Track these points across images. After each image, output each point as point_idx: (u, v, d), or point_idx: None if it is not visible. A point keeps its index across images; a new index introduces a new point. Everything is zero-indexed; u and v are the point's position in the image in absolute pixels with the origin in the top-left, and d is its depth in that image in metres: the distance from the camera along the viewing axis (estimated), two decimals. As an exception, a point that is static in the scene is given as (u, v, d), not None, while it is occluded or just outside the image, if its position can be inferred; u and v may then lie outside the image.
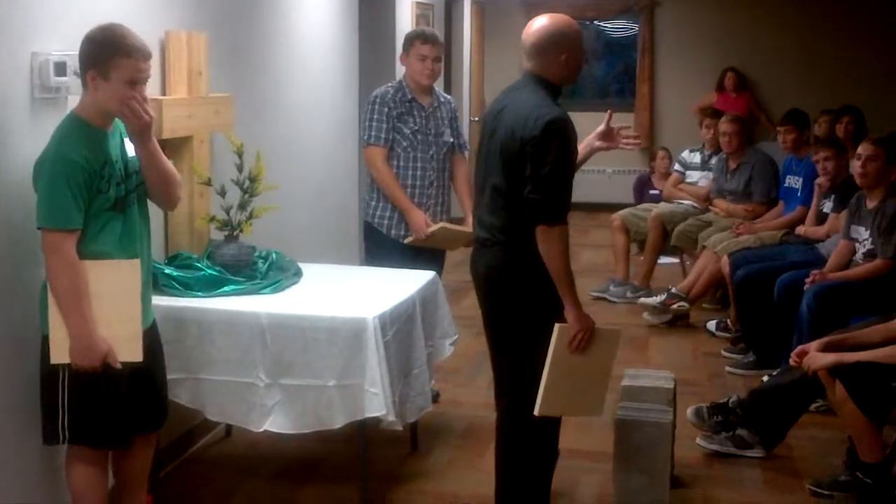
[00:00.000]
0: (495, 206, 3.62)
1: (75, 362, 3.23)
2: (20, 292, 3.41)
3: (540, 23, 3.64)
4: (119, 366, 3.28)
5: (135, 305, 3.34)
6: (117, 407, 3.36)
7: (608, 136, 3.90)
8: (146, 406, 3.52)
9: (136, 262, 3.33)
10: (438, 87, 5.20)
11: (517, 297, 3.61)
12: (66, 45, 3.49)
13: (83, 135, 3.22)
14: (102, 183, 3.21)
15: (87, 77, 3.21)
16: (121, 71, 3.17)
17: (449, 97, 5.37)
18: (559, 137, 3.45)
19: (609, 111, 3.95)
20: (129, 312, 3.33)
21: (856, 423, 4.13)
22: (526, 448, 3.76)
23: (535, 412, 3.56)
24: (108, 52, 3.18)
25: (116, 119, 3.33)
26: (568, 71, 3.64)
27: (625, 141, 3.93)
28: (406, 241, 5.04)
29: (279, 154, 5.36)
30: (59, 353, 3.24)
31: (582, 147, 3.84)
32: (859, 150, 5.43)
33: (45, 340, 3.28)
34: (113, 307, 3.27)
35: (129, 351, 3.32)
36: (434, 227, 5.02)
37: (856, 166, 5.41)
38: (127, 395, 3.39)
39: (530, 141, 3.46)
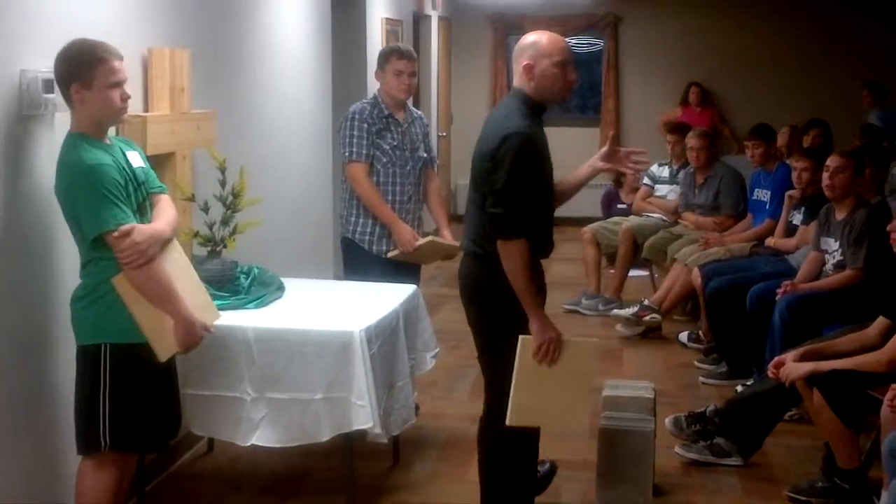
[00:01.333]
0: (470, 218, 3.73)
1: (183, 345, 3.40)
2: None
3: (526, 35, 3.72)
4: (213, 332, 3.56)
5: (194, 274, 3.63)
6: (155, 411, 3.47)
7: (612, 157, 3.85)
8: (171, 410, 3.61)
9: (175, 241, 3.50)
10: (407, 102, 5.25)
11: (488, 306, 3.70)
12: (52, 63, 3.50)
13: (93, 147, 3.30)
14: (129, 186, 3.33)
15: (71, 92, 3.30)
16: (101, 76, 3.29)
17: (420, 112, 5.43)
18: (514, 152, 3.49)
19: (612, 132, 3.99)
20: (193, 282, 3.57)
21: (833, 429, 4.21)
22: (502, 455, 3.81)
23: (507, 422, 3.61)
24: (84, 62, 3.29)
25: (113, 135, 3.41)
26: (537, 83, 3.62)
27: (632, 165, 3.92)
28: (390, 255, 5.07)
29: (258, 169, 5.37)
30: (166, 348, 3.38)
31: (585, 167, 3.88)
32: (828, 161, 5.52)
33: (85, 351, 3.36)
34: (182, 282, 3.41)
35: (212, 315, 3.63)
36: (422, 241, 5.06)
37: (824, 178, 5.51)
38: (161, 399, 3.50)
39: (487, 156, 3.55)
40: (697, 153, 7.38)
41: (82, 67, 3.29)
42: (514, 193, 3.51)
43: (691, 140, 7.44)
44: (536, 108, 3.69)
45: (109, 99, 3.32)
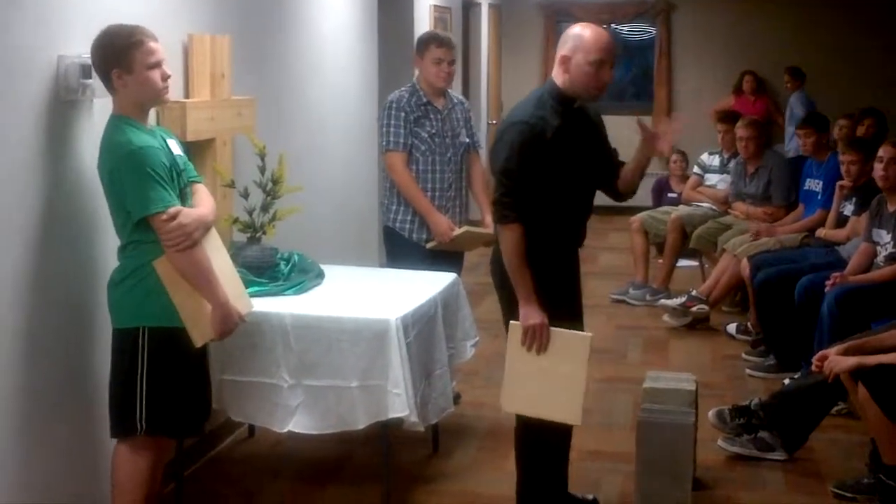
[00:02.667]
0: None
1: (220, 331, 3.43)
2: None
3: (573, 25, 3.71)
4: (246, 321, 3.57)
5: (230, 263, 3.63)
6: (190, 395, 3.50)
7: (651, 141, 3.81)
8: (204, 395, 3.64)
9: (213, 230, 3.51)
10: (456, 89, 5.22)
11: (505, 291, 3.74)
12: (90, 52, 3.52)
13: (139, 130, 3.33)
14: (172, 171, 3.35)
15: (113, 77, 3.32)
16: (140, 58, 3.32)
17: (461, 98, 5.39)
18: (512, 140, 3.55)
19: (637, 117, 3.94)
20: (230, 270, 3.59)
21: (878, 425, 4.11)
22: (533, 445, 3.83)
23: (502, 407, 3.73)
24: (122, 46, 3.31)
25: (153, 123, 3.44)
26: (570, 76, 3.60)
27: (667, 139, 3.82)
28: (428, 245, 5.05)
29: (300, 156, 5.38)
30: (202, 333, 3.41)
31: (636, 158, 3.86)
32: (880, 152, 5.41)
33: (122, 335, 3.39)
34: (219, 271, 3.43)
35: (246, 303, 3.64)
36: (458, 231, 5.04)
37: (877, 168, 5.40)
38: (196, 384, 3.53)
39: (495, 142, 3.65)
40: (747, 143, 7.26)
41: (120, 52, 3.31)
42: (511, 180, 3.56)
43: (741, 130, 7.32)
44: (565, 100, 3.66)
45: (151, 80, 3.35)
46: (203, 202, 3.49)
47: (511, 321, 3.66)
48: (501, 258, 3.72)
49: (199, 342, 3.41)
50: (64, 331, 3.56)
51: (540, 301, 3.62)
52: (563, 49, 3.63)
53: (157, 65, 3.37)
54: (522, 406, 3.73)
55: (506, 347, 3.71)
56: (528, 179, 3.56)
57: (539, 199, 3.59)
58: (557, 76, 3.66)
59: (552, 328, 3.63)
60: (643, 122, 3.91)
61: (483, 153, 5.59)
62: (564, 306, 3.75)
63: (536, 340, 3.63)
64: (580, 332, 3.68)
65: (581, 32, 3.63)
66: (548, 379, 3.63)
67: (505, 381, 3.69)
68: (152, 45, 3.36)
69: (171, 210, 3.25)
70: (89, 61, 3.47)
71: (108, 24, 3.42)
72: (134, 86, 3.33)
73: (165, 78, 3.41)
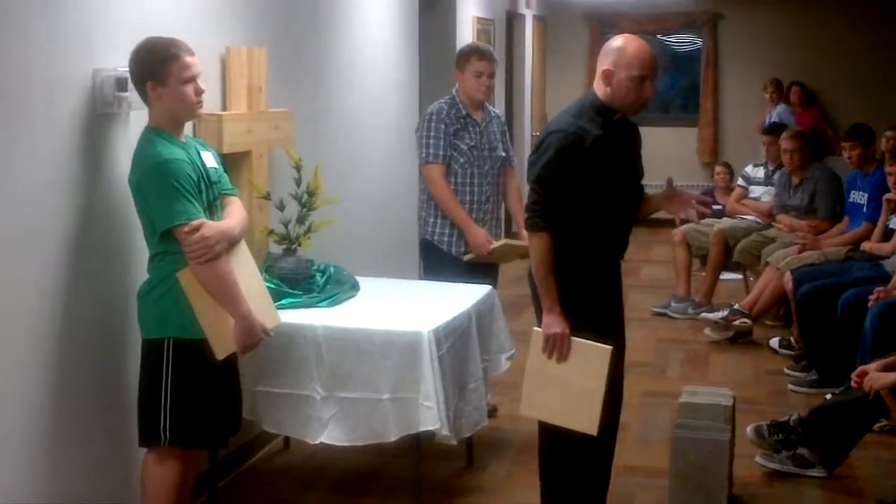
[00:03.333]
0: None
1: (243, 345, 3.43)
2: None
3: (616, 37, 3.70)
4: (272, 335, 3.57)
5: (258, 276, 3.66)
6: (215, 407, 3.50)
7: (669, 200, 3.87)
8: (231, 408, 3.64)
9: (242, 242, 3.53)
10: (500, 101, 5.22)
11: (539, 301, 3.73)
12: (127, 61, 3.55)
13: (169, 142, 3.36)
14: (201, 184, 3.37)
15: (147, 90, 3.36)
16: (175, 72, 3.36)
17: (497, 111, 5.39)
18: (551, 149, 3.55)
19: (669, 178, 3.91)
20: (257, 284, 3.60)
21: (920, 443, 4.05)
22: (553, 460, 3.82)
23: (521, 410, 3.78)
24: (157, 60, 3.35)
25: (189, 135, 3.49)
26: (612, 90, 3.58)
27: (684, 216, 3.91)
28: (466, 257, 5.04)
29: (338, 168, 5.40)
30: (224, 346, 3.41)
31: (653, 199, 3.91)
32: (927, 164, 5.33)
33: (149, 345, 3.43)
34: (246, 284, 3.43)
35: (272, 317, 3.62)
36: (496, 244, 5.03)
37: (925, 181, 5.31)
38: (222, 396, 3.53)
39: (533, 149, 3.67)
40: (791, 155, 7.19)
41: (155, 66, 3.35)
42: (545, 188, 3.56)
43: (785, 142, 7.25)
44: (605, 112, 3.64)
45: (184, 94, 3.38)
46: (233, 215, 3.51)
47: (534, 328, 3.69)
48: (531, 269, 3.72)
49: (220, 355, 3.42)
50: (98, 341, 3.59)
51: (567, 312, 3.61)
52: (605, 63, 3.60)
53: (192, 79, 3.40)
54: (541, 412, 3.75)
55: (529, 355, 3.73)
56: (564, 188, 3.55)
57: (575, 209, 3.58)
58: (599, 88, 3.64)
59: (573, 338, 3.62)
60: (672, 182, 3.90)
61: (519, 167, 5.58)
62: (602, 318, 3.72)
63: (557, 349, 3.62)
64: (600, 344, 3.65)
65: (624, 46, 3.60)
66: (566, 388, 3.63)
67: (525, 386, 3.73)
68: (188, 59, 3.39)
69: (194, 223, 3.27)
70: (125, 74, 3.52)
71: (145, 36, 3.46)
72: (168, 99, 3.37)
73: (199, 93, 3.44)
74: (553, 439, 3.76)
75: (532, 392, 3.71)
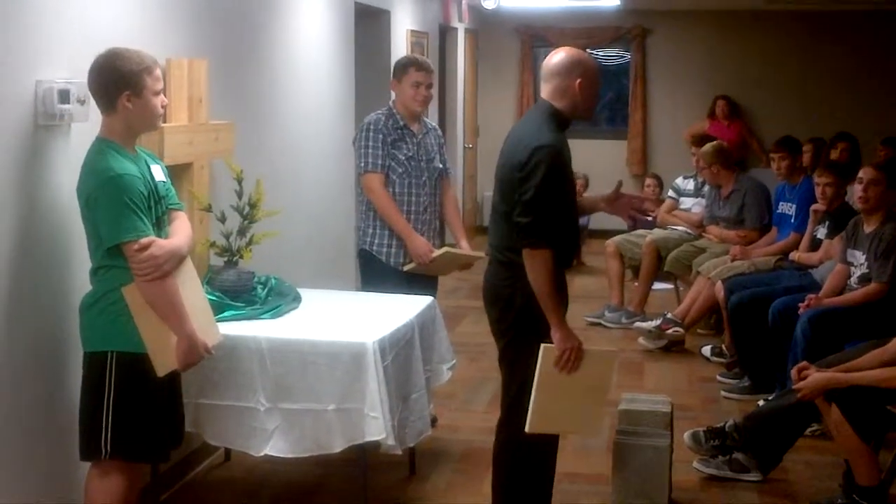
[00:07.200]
0: (496, 226, 3.80)
1: (184, 362, 3.40)
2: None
3: (558, 51, 3.80)
4: (213, 353, 3.54)
5: (202, 294, 3.63)
6: (157, 421, 3.47)
7: (615, 202, 4.01)
8: (173, 422, 3.61)
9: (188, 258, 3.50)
10: (433, 114, 5.25)
11: (509, 313, 3.75)
12: (68, 73, 3.54)
13: (121, 156, 3.33)
14: (150, 199, 3.35)
15: (121, 100, 3.33)
16: (150, 84, 3.36)
17: (433, 124, 5.44)
18: (544, 163, 3.56)
19: (619, 181, 4.07)
20: (201, 301, 3.58)
21: (852, 446, 4.16)
22: (516, 463, 3.83)
23: (526, 429, 3.65)
24: (136, 71, 3.34)
25: (138, 148, 3.48)
26: (579, 98, 3.71)
27: (629, 217, 4.03)
28: (406, 268, 5.06)
29: (277, 180, 5.40)
30: (165, 363, 3.38)
31: (589, 201, 4.05)
32: (861, 174, 5.46)
33: (92, 358, 3.39)
34: (189, 301, 3.41)
35: (214, 335, 3.60)
36: (438, 252, 5.05)
37: (856, 190, 5.44)
38: (164, 409, 3.50)
39: (518, 166, 3.61)
40: (710, 171, 7.39)
41: (133, 77, 3.33)
42: (542, 204, 3.57)
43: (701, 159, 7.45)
44: (563, 123, 3.75)
45: (154, 106, 3.40)
46: (179, 232, 3.49)
47: (544, 344, 3.61)
48: (499, 284, 3.75)
49: (161, 372, 3.38)
50: (39, 354, 3.55)
51: (536, 320, 3.63)
52: (574, 79, 3.70)
53: (160, 92, 3.43)
54: (546, 426, 3.70)
55: (536, 371, 3.63)
56: (557, 202, 3.61)
57: (556, 222, 3.63)
58: (557, 100, 3.73)
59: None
60: (621, 185, 4.08)
61: (454, 179, 5.61)
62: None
63: (573, 362, 3.63)
64: (605, 349, 3.74)
65: (580, 57, 3.77)
66: (574, 397, 3.65)
67: (533, 405, 3.62)
68: (158, 72, 3.41)
69: (144, 240, 3.25)
70: (67, 86, 3.49)
71: (87, 49, 3.43)
72: (138, 110, 3.35)
73: (164, 106, 3.48)
74: (517, 448, 3.78)
75: (541, 408, 3.62)
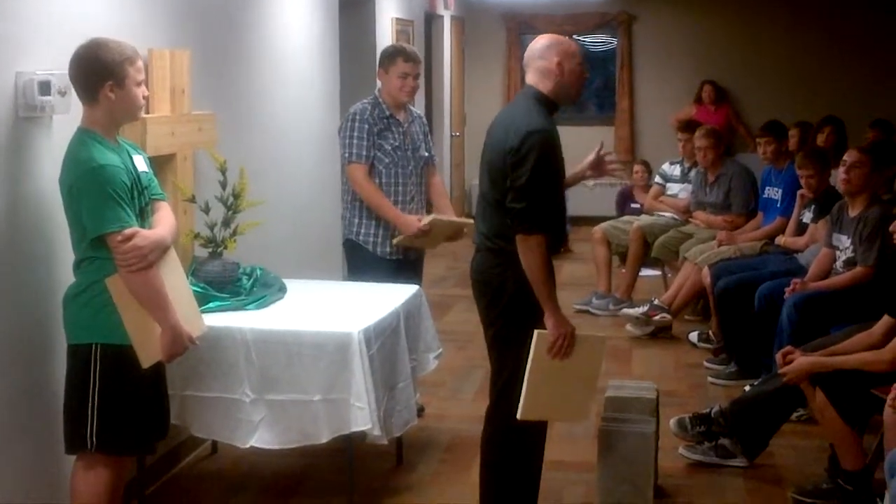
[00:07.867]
0: (485, 214, 3.78)
1: (169, 354, 3.40)
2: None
3: (540, 37, 3.82)
4: (199, 344, 3.55)
5: (186, 284, 3.62)
6: (143, 413, 3.47)
7: (597, 165, 4.03)
8: (159, 414, 3.60)
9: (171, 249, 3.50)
10: (419, 102, 5.24)
11: (501, 301, 3.74)
12: (49, 65, 3.52)
13: (103, 146, 3.32)
14: (133, 190, 3.35)
15: (104, 91, 3.32)
16: (132, 74, 3.36)
17: (419, 112, 5.42)
18: (537, 148, 3.56)
19: (601, 143, 4.09)
20: (185, 292, 3.58)
21: (836, 430, 4.18)
22: (505, 451, 3.83)
23: (518, 416, 3.65)
24: (119, 61, 3.33)
25: (119, 138, 3.46)
26: (562, 80, 3.72)
27: (611, 167, 4.07)
28: (395, 241, 5.03)
29: (261, 170, 5.38)
30: (150, 355, 3.38)
31: (572, 176, 3.99)
32: (845, 157, 5.45)
33: (76, 350, 3.38)
34: (174, 292, 3.40)
35: (198, 326, 3.60)
36: (426, 220, 5.02)
37: (840, 173, 5.44)
38: (150, 401, 3.50)
39: (510, 152, 3.60)
40: (705, 152, 7.35)
41: (116, 67, 3.33)
42: (536, 189, 3.57)
43: (698, 139, 7.40)
44: (551, 107, 3.75)
45: (137, 97, 3.40)
46: (163, 222, 3.48)
47: (537, 331, 3.62)
48: (490, 272, 3.74)
49: (146, 363, 3.38)
50: (23, 347, 3.54)
51: (528, 305, 3.63)
52: (550, 58, 3.71)
53: (142, 83, 3.42)
54: (539, 413, 3.72)
55: (529, 358, 3.64)
56: (551, 186, 3.63)
57: (549, 207, 3.63)
58: (542, 84, 3.74)
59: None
60: (602, 146, 4.10)
61: (441, 167, 5.60)
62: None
63: (566, 348, 3.64)
64: (595, 335, 3.77)
65: (559, 40, 3.78)
66: (566, 383, 3.67)
67: (525, 392, 3.62)
68: (140, 63, 3.41)
69: (127, 231, 3.24)
70: (48, 78, 3.47)
71: (68, 40, 3.42)
72: (121, 101, 3.35)
73: (145, 96, 3.47)
74: (506, 436, 3.78)
75: (533, 395, 3.63)
